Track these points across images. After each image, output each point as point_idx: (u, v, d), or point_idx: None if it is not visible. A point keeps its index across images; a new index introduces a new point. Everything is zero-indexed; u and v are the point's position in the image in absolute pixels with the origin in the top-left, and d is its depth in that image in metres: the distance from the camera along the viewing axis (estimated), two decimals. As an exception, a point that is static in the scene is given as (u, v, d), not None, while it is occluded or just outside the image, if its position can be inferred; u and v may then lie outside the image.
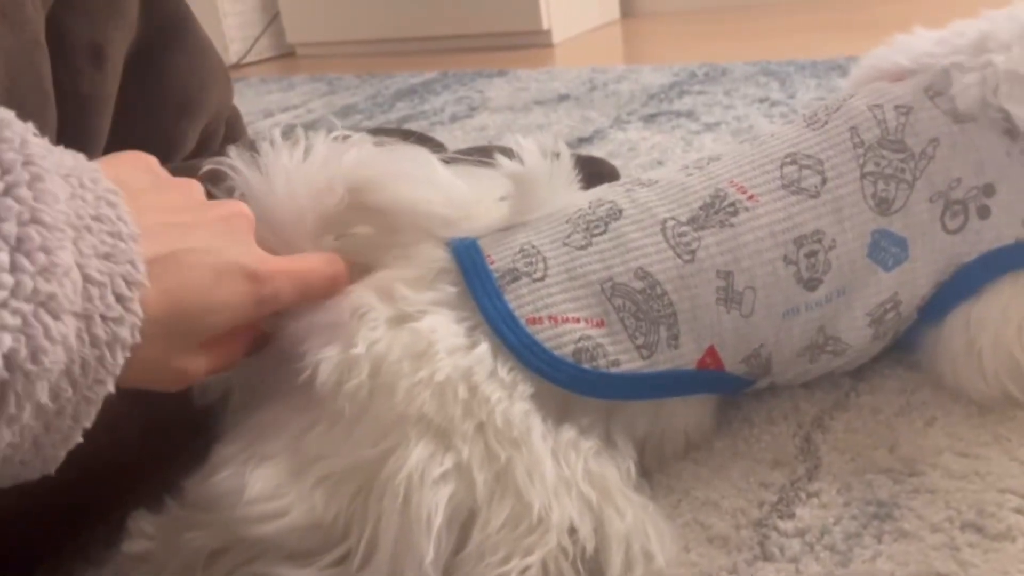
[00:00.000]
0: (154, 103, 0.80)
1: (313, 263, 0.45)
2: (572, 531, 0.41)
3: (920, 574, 0.42)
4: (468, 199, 0.51)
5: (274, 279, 0.40)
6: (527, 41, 2.11)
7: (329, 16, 2.36)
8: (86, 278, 0.31)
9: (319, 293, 0.45)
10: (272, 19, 2.49)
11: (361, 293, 0.45)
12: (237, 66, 2.40)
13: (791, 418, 0.55)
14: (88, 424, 0.33)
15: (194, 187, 0.42)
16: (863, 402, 0.56)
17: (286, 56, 2.55)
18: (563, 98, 1.45)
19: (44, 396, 0.30)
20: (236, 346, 0.42)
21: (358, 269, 0.48)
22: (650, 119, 1.24)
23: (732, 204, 0.51)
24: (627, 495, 0.44)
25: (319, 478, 0.42)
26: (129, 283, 0.33)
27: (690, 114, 1.23)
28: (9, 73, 0.66)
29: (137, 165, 0.40)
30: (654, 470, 0.52)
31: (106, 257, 0.32)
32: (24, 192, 0.30)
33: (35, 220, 0.29)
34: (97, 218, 0.32)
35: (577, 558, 0.41)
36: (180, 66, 0.83)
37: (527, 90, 1.55)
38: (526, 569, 0.40)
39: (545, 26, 2.07)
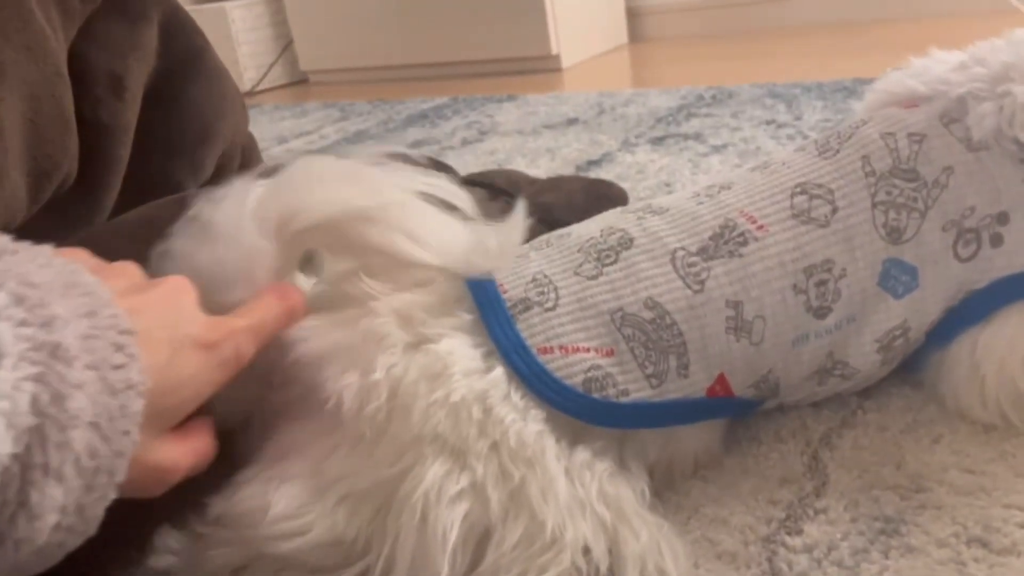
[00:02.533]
0: (173, 132, 0.82)
1: (265, 307, 0.44)
2: (586, 550, 0.42)
3: (927, 589, 0.43)
4: (450, 247, 0.51)
5: (229, 339, 0.40)
6: (536, 66, 2.14)
7: (341, 44, 2.39)
8: (83, 334, 0.32)
9: (280, 330, 0.45)
10: (285, 47, 2.53)
11: (381, 317, 0.47)
12: (251, 93, 2.44)
13: (799, 436, 0.56)
14: (122, 479, 0.34)
15: (132, 269, 0.42)
16: (870, 420, 0.56)
17: (299, 83, 2.59)
18: (572, 122, 1.47)
19: (80, 445, 0.31)
20: (206, 436, 0.41)
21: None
22: (658, 142, 1.26)
23: (742, 234, 0.52)
24: (642, 515, 0.45)
25: (340, 497, 0.43)
26: (121, 332, 0.33)
27: (698, 136, 1.25)
28: (32, 104, 0.68)
29: (75, 255, 0.40)
30: (663, 488, 0.52)
31: (90, 315, 0.33)
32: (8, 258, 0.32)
33: (26, 282, 0.31)
34: (71, 284, 0.34)
35: None
36: (198, 95, 0.85)
37: (536, 114, 1.57)
38: None
39: (554, 51, 2.10)
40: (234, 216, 0.48)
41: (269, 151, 1.59)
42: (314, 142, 1.66)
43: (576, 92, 1.72)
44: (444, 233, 0.51)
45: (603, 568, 0.42)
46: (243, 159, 0.95)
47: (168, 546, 0.46)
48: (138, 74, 0.79)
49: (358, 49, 2.38)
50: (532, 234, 0.56)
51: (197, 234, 0.48)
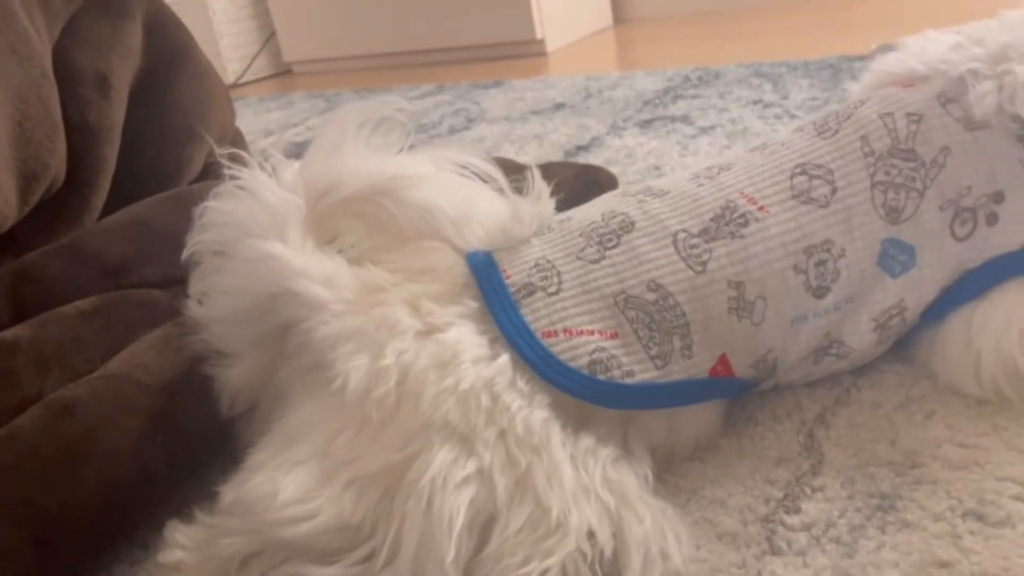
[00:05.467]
0: (161, 130, 0.82)
1: None
2: (591, 535, 0.43)
3: (923, 563, 0.44)
4: (480, 213, 0.53)
5: None
6: (521, 51, 2.13)
7: (324, 34, 2.38)
8: None
9: None
10: (268, 38, 2.52)
11: (391, 307, 0.47)
12: (235, 86, 2.43)
13: (794, 415, 0.57)
14: None
15: None
16: (864, 397, 0.57)
17: (283, 74, 2.57)
18: (559, 107, 1.47)
19: None
20: None
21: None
22: (646, 125, 1.26)
23: (743, 215, 0.52)
24: (646, 500, 0.46)
25: (348, 481, 0.43)
26: None
27: (685, 118, 1.25)
28: (19, 107, 0.68)
29: None
30: (662, 471, 0.53)
31: None
32: None
33: None
34: None
35: (595, 561, 0.43)
36: (184, 92, 0.85)
37: (523, 100, 1.57)
38: (545, 572, 0.42)
39: (539, 35, 2.09)
40: (266, 180, 0.51)
41: (255, 144, 1.58)
42: (301, 133, 1.65)
43: (562, 76, 1.72)
44: (480, 205, 0.53)
45: (607, 552, 0.43)
46: (232, 154, 0.95)
47: (177, 541, 0.46)
48: (123, 72, 0.79)
49: (341, 39, 2.36)
50: None
51: (232, 193, 0.51)
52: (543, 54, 2.11)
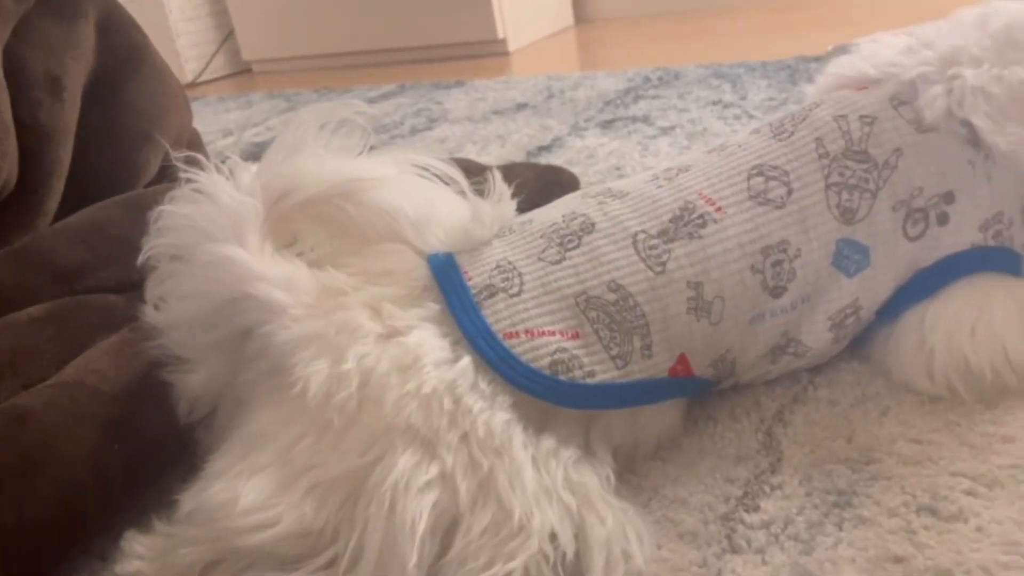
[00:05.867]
0: (116, 132, 0.81)
1: None
2: (553, 537, 0.43)
3: (879, 558, 0.45)
4: (441, 214, 0.53)
5: None
6: (483, 51, 2.13)
7: (283, 32, 2.35)
8: None
9: None
10: (227, 37, 2.49)
11: (352, 310, 0.47)
12: (193, 84, 2.39)
13: (753, 414, 0.57)
14: None
15: None
16: (820, 395, 0.58)
17: (242, 73, 2.54)
18: (521, 107, 1.47)
19: None
20: None
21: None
22: (607, 125, 1.27)
23: (701, 216, 0.53)
24: (608, 501, 0.46)
25: (309, 487, 0.43)
26: None
27: (646, 119, 1.26)
28: (-32, 109, 0.66)
29: None
30: (624, 470, 0.53)
31: None
32: None
33: None
34: None
35: (558, 563, 0.43)
36: (139, 94, 0.83)
37: (485, 100, 1.57)
38: (508, 574, 0.42)
39: (500, 35, 2.10)
40: (223, 183, 0.50)
41: (214, 144, 1.57)
42: (261, 134, 1.63)
43: (524, 77, 1.72)
44: (441, 207, 0.53)
45: (570, 554, 0.43)
46: (189, 155, 0.94)
47: (135, 551, 0.46)
48: (76, 73, 0.77)
49: (301, 38, 2.34)
50: None
51: (189, 196, 0.50)
52: (505, 54, 2.11)
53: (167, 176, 0.88)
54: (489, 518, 0.43)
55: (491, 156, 1.21)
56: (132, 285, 0.65)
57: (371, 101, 1.73)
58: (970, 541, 0.45)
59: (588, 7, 2.47)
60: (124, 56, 0.82)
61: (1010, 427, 0.52)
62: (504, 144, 1.27)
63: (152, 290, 0.52)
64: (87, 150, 0.77)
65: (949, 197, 0.54)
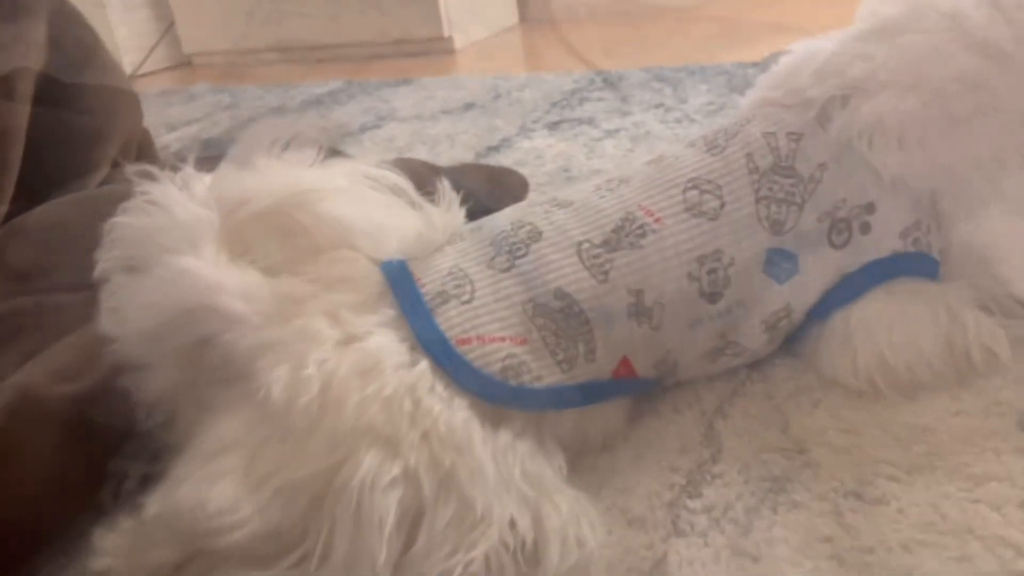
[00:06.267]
0: (67, 131, 0.81)
1: None
2: (512, 525, 0.46)
3: (810, 539, 0.48)
4: (390, 224, 0.55)
5: None
6: (429, 48, 2.14)
7: (225, 25, 2.33)
8: None
9: None
10: (167, 29, 2.45)
11: (310, 317, 0.49)
12: (132, 77, 2.35)
13: (695, 408, 0.61)
14: None
15: None
16: (757, 389, 0.62)
17: (182, 66, 2.51)
18: (469, 107, 1.49)
19: None
20: None
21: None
22: (554, 127, 1.30)
23: (641, 227, 0.56)
24: (561, 490, 0.49)
25: (276, 489, 0.45)
26: None
27: (591, 121, 1.29)
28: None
29: None
30: (575, 461, 0.56)
31: None
32: None
33: None
34: None
35: (517, 550, 0.46)
36: (90, 93, 0.83)
37: (433, 99, 1.58)
38: (470, 562, 0.44)
39: (446, 33, 2.11)
40: (177, 194, 0.51)
41: (160, 139, 1.55)
42: (206, 129, 1.62)
43: (472, 76, 1.74)
44: (394, 216, 0.55)
45: (528, 541, 0.46)
46: (139, 154, 0.94)
47: (104, 548, 0.47)
48: (27, 74, 0.77)
49: (243, 31, 2.32)
50: None
51: (143, 208, 0.51)
52: (451, 52, 2.13)
53: (118, 176, 0.88)
54: (452, 511, 0.45)
55: (441, 156, 1.23)
56: (86, 286, 0.65)
57: (318, 98, 1.74)
58: (891, 522, 0.49)
59: (532, 7, 2.50)
60: (75, 55, 0.82)
61: (928, 418, 0.56)
62: (453, 144, 1.29)
63: (106, 301, 0.52)
64: (38, 150, 0.77)
65: (870, 208, 0.59)
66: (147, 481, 0.50)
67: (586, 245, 0.55)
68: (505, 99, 1.51)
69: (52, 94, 0.79)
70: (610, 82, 1.51)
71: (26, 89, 0.77)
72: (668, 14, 2.21)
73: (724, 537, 0.50)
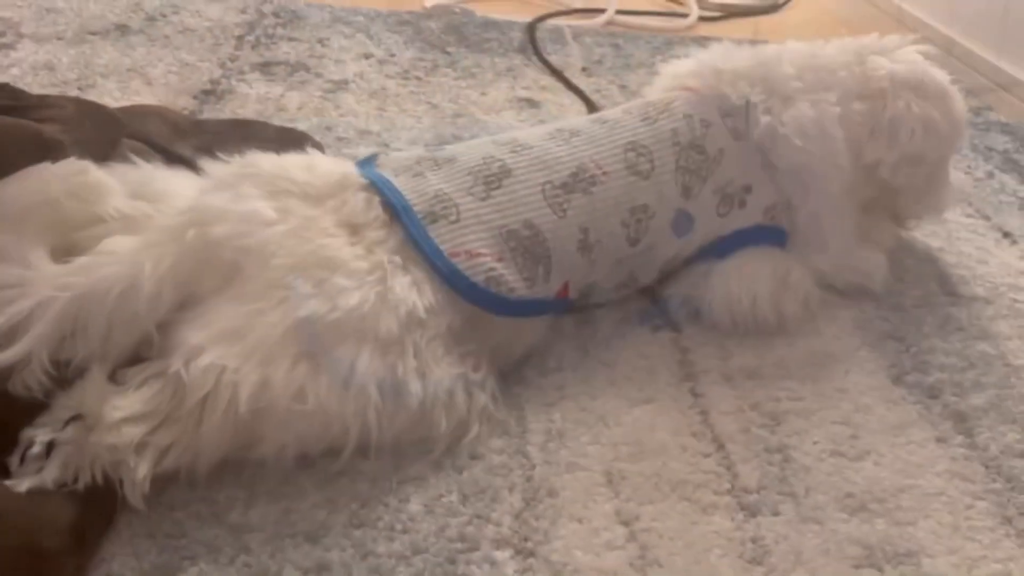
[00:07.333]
0: None
1: None
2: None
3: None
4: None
5: None
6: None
7: None
8: None
9: None
10: None
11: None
12: None
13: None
14: None
15: None
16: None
17: None
18: (122, 29, 1.25)
19: None
20: None
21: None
22: (264, 69, 1.20)
23: (591, 177, 0.71)
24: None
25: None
26: None
27: (304, 66, 1.23)
28: None
29: None
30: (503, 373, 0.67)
31: None
32: None
33: None
34: None
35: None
36: None
37: (62, 13, 1.29)
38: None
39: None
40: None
41: None
42: None
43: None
44: (176, 182, 0.67)
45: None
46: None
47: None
48: None
49: None
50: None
51: None
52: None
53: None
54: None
55: (143, 96, 1.07)
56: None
57: None
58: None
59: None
60: None
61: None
62: (151, 83, 1.11)
63: None
64: None
65: (748, 189, 0.78)
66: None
67: (548, 186, 0.69)
68: (162, 23, 1.27)
69: None
70: (287, 19, 1.37)
71: None
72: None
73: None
